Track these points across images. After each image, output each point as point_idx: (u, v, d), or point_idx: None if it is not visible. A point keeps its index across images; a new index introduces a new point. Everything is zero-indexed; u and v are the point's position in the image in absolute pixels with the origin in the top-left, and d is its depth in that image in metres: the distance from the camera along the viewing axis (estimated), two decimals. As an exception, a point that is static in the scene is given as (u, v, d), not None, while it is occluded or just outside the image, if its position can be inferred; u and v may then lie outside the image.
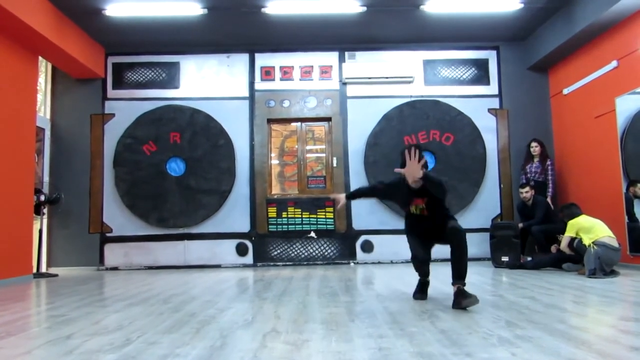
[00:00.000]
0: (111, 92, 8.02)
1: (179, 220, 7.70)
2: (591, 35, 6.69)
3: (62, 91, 7.97)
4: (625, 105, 6.29)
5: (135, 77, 8.07)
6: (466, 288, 3.66)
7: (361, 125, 7.94)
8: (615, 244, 5.44)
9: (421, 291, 4.28)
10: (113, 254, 7.70)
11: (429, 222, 4.07)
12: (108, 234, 7.72)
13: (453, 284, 3.73)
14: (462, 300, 3.52)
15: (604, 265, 5.30)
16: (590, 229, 5.56)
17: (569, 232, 5.74)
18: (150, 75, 8.08)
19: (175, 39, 7.77)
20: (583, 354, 2.31)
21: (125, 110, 7.92)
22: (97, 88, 7.99)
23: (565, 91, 7.51)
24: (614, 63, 6.39)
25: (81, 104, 7.94)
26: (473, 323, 3.06)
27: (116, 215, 7.75)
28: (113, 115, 7.92)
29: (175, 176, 7.78)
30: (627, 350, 2.37)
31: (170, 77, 8.07)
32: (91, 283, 5.96)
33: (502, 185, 7.89)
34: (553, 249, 6.25)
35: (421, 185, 3.86)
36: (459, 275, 3.73)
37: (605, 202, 6.52)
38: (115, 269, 7.65)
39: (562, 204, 6.70)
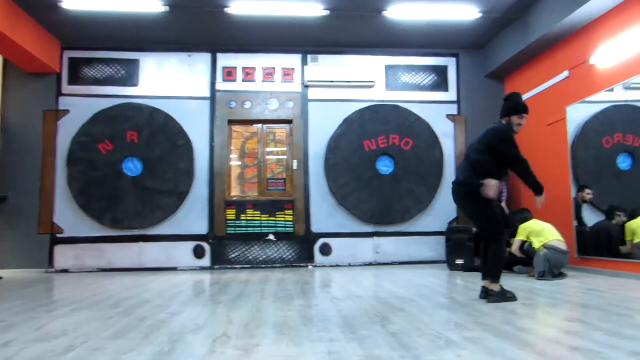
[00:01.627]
0: (66, 88, 7.77)
1: (134, 221, 7.53)
2: (545, 46, 6.91)
3: (13, 85, 7.66)
4: (576, 114, 6.51)
5: (92, 73, 7.85)
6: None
7: (322, 128, 7.96)
8: (563, 247, 5.62)
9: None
10: (64, 255, 7.45)
11: None
12: (59, 235, 7.47)
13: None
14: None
15: (552, 267, 5.47)
16: (541, 233, 5.73)
17: (520, 236, 5.90)
18: (108, 72, 7.88)
19: (135, 36, 7.61)
20: (525, 354, 2.37)
21: (80, 107, 7.68)
22: (52, 83, 7.73)
23: (520, 99, 7.71)
24: (565, 73, 6.61)
25: (34, 99, 7.66)
26: (423, 326, 3.11)
27: (68, 216, 7.50)
28: (68, 111, 7.68)
29: (131, 176, 7.60)
30: (567, 351, 2.44)
31: (129, 74, 7.89)
32: (38, 286, 5.75)
33: (459, 190, 8.03)
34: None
35: None
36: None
37: (555, 207, 6.72)
38: (65, 271, 7.40)
39: (515, 209, 6.87)
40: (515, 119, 4.08)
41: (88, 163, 7.52)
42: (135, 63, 7.92)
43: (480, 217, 4.11)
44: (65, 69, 7.80)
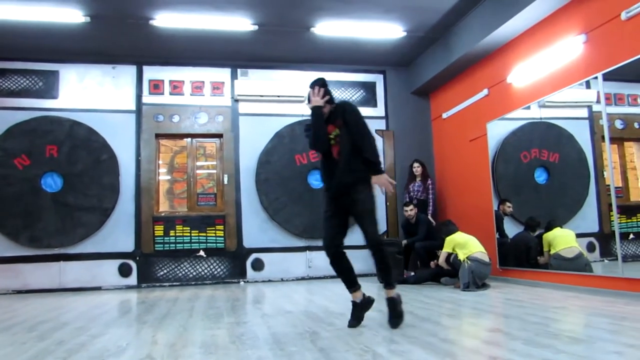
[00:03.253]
0: (-23, 100, 7.30)
1: (54, 239, 7.13)
2: (465, 64, 7.25)
3: None
4: (496, 130, 6.86)
5: (6, 84, 7.41)
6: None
7: (253, 142, 7.91)
8: (486, 258, 5.87)
9: (353, 316, 3.65)
10: (-25, 277, 6.94)
11: (339, 166, 3.64)
12: (-31, 256, 6.96)
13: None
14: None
15: (476, 279, 5.68)
16: (465, 245, 5.94)
17: (446, 248, 6.10)
18: (24, 84, 7.47)
19: (54, 47, 7.25)
20: (448, 366, 2.44)
21: (-7, 120, 7.24)
22: (-39, 95, 7.25)
23: (444, 115, 8.04)
24: (485, 91, 6.96)
25: (-60, 111, 7.15)
26: (352, 340, 3.13)
27: (-21, 235, 7.01)
28: (-21, 125, 7.21)
29: (50, 192, 7.21)
30: (486, 360, 2.54)
31: (47, 86, 7.52)
32: (-55, 312, 5.32)
33: (387, 203, 8.22)
34: (432, 264, 6.60)
35: (329, 111, 3.79)
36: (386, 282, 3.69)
37: (478, 219, 7.02)
38: (-23, 294, 6.90)
39: (441, 221, 7.11)
40: None
41: (2, 179, 7.07)
42: (54, 74, 7.56)
43: None
44: (-24, 80, 7.33)
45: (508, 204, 6.67)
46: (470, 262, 5.72)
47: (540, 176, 6.38)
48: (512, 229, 6.66)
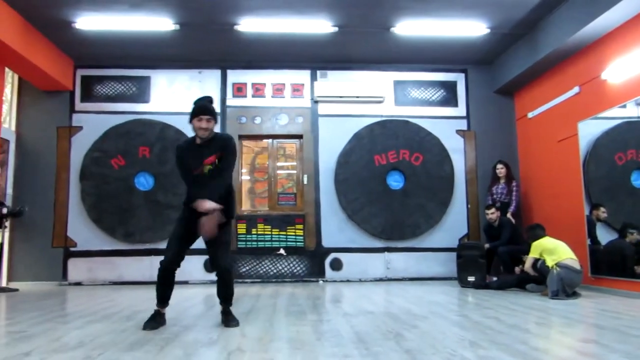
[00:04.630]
0: (79, 105, 7.89)
1: (145, 235, 7.58)
2: (554, 61, 6.92)
3: (28, 103, 7.79)
4: (587, 130, 6.49)
5: (104, 90, 7.97)
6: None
7: (332, 143, 7.99)
8: (577, 266, 5.56)
9: (153, 319, 3.81)
10: (77, 268, 7.51)
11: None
12: (72, 249, 7.53)
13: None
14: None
15: (566, 286, 5.40)
16: (553, 251, 5.67)
17: (533, 254, 5.85)
18: (119, 89, 7.99)
19: (146, 54, 7.72)
20: (542, 374, 2.35)
21: (93, 123, 7.79)
22: (65, 100, 7.85)
23: (530, 115, 7.72)
24: (576, 89, 6.61)
25: (48, 116, 7.78)
26: (437, 343, 3.09)
27: (81, 230, 7.57)
28: (81, 128, 7.79)
29: (143, 191, 7.67)
30: (584, 371, 2.43)
31: (140, 91, 8.00)
32: (53, 298, 5.80)
33: (469, 206, 8.02)
34: (517, 269, 6.36)
35: (211, 138, 3.86)
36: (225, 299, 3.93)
37: (567, 224, 6.68)
38: (78, 284, 7.45)
39: (528, 225, 6.83)
40: (195, 123, 3.88)
41: (100, 178, 7.61)
42: (146, 80, 8.03)
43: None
44: (78, 87, 7.93)
45: (602, 209, 6.28)
46: (559, 268, 5.46)
47: (637, 179, 5.97)
48: (605, 236, 6.28)
